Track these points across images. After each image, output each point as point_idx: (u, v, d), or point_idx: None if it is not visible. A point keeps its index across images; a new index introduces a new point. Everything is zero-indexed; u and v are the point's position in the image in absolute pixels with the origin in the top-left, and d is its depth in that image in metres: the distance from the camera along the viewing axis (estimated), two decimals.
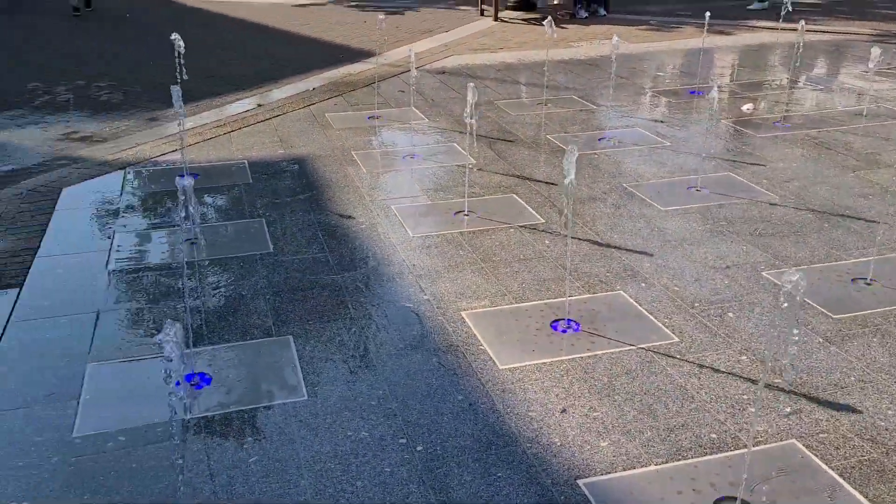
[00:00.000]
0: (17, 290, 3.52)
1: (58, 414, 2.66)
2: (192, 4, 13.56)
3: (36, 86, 7.79)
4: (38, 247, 3.95)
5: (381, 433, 2.58)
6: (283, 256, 3.86)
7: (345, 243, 4.01)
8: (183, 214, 4.00)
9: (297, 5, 12.97)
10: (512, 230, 4.17)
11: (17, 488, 2.33)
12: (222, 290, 3.52)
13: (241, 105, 6.83)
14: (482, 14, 11.34)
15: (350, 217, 4.33)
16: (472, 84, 4.29)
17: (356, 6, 12.99)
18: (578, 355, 3.04)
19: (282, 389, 2.81)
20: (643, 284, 3.59)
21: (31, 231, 4.14)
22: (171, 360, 2.00)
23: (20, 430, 2.58)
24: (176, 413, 2.64)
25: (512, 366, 2.97)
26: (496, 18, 10.91)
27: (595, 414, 2.70)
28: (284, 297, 3.46)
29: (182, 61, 4.98)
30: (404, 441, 2.55)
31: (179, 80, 4.70)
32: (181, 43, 5.02)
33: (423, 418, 2.66)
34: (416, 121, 6.17)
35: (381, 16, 7.20)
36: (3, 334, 3.15)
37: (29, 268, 3.72)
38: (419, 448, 2.52)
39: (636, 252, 3.91)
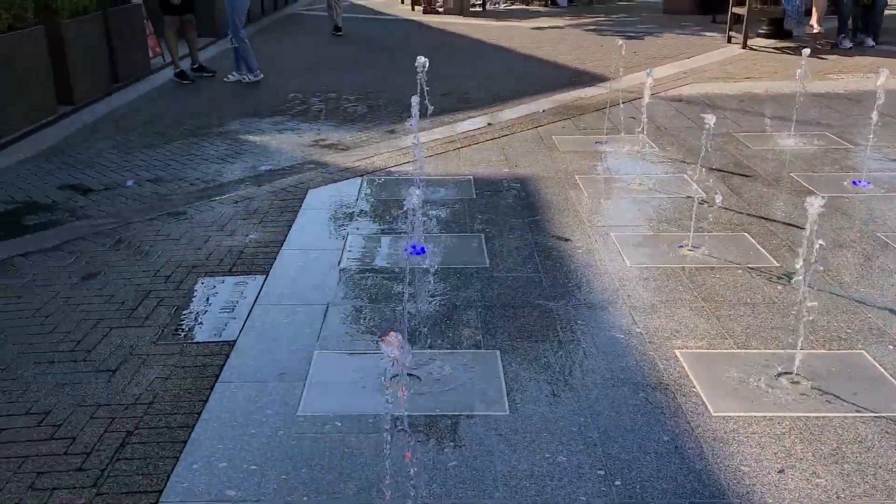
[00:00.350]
0: (264, 276, 3.93)
1: (286, 392, 2.93)
2: (435, 25, 14.39)
3: (295, 96, 8.69)
4: (284, 240, 4.38)
5: (580, 461, 2.54)
6: (498, 272, 3.94)
7: (560, 266, 4.01)
8: (410, 225, 4.24)
9: (535, 28, 13.26)
10: (740, 271, 3.91)
11: (248, 453, 2.60)
12: (438, 298, 3.66)
13: (472, 123, 7.10)
14: (729, 41, 10.80)
15: (567, 240, 4.32)
16: (710, 114, 4.10)
17: (595, 30, 13.00)
18: (804, 414, 2.77)
19: (484, 402, 2.87)
20: (891, 346, 3.19)
21: (280, 225, 4.61)
22: (394, 362, 2.12)
23: (254, 401, 2.87)
24: (390, 409, 2.78)
25: (726, 414, 2.78)
26: (745, 46, 10.35)
27: (818, 481, 2.44)
28: (496, 313, 3.52)
29: (424, 79, 5.28)
30: (602, 473, 2.48)
31: (422, 99, 5.00)
32: (424, 61, 5.32)
33: (624, 453, 2.57)
34: (646, 148, 6.02)
35: (620, 41, 7.13)
36: (249, 313, 3.54)
37: (275, 258, 4.14)
38: (617, 482, 2.44)
39: (886, 309, 3.49)
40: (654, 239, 4.34)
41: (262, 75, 9.52)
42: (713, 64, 9.54)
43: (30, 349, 3.28)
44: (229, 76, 9.52)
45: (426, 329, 3.38)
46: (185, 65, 9.71)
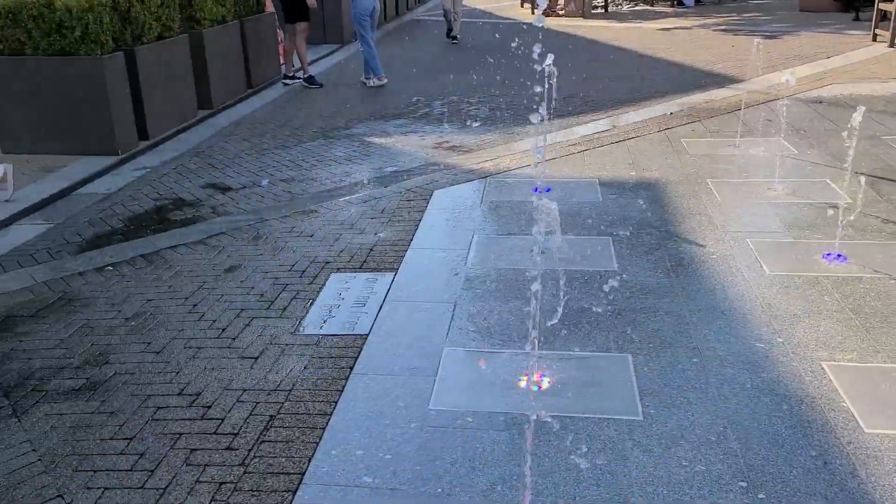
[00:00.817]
0: (393, 274, 4.02)
1: (418, 386, 2.99)
2: (555, 28, 14.28)
3: (419, 100, 8.85)
4: (412, 239, 4.48)
5: (720, 471, 2.45)
6: (627, 276, 3.87)
7: (693, 272, 3.88)
8: (536, 226, 4.23)
9: (661, 29, 12.92)
10: (893, 282, 3.65)
11: (382, 442, 2.67)
12: (566, 301, 3.63)
13: (596, 126, 7.00)
14: (874, 39, 10.13)
15: (700, 245, 4.18)
16: (856, 114, 3.86)
17: (725, 30, 12.52)
18: None
19: (617, 405, 2.82)
20: None
21: (408, 225, 4.71)
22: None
23: (388, 394, 2.95)
24: (521, 407, 2.79)
25: (881, 431, 2.60)
26: (892, 44, 9.67)
27: None
28: (626, 317, 3.46)
29: (552, 82, 5.25)
30: (744, 485, 2.38)
31: (545, 102, 4.97)
32: (550, 65, 5.28)
33: (768, 466, 2.46)
34: (783, 152, 5.73)
35: (757, 40, 6.83)
36: (380, 309, 3.64)
37: (403, 257, 4.24)
38: (761, 496, 2.33)
39: None
40: (794, 246, 4.12)
41: (386, 80, 9.77)
42: (856, 63, 8.97)
43: (180, 335, 3.51)
44: (364, 81, 9.86)
45: (555, 331, 3.36)
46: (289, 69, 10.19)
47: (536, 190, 5.24)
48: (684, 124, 6.75)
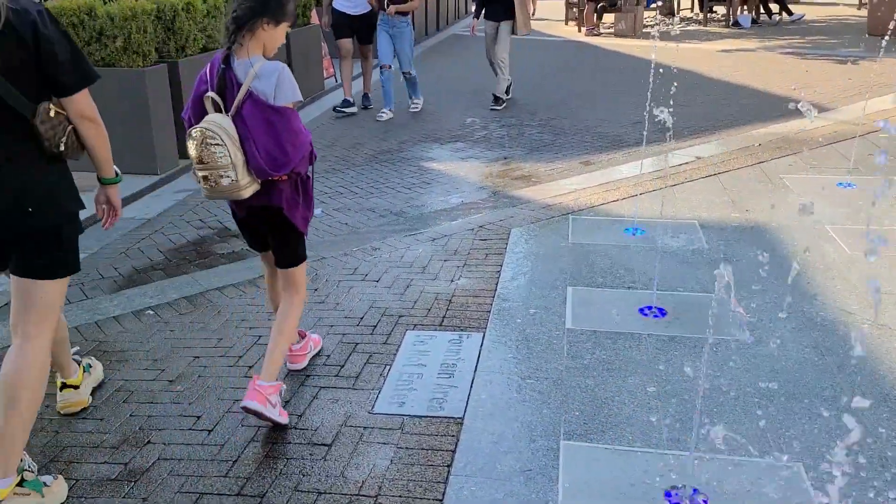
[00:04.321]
0: (481, 335, 3.42)
1: (537, 497, 2.37)
2: (606, 47, 13.68)
3: (473, 121, 8.28)
4: (496, 290, 3.87)
5: None
6: (764, 348, 3.23)
7: (846, 346, 3.23)
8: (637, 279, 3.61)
9: (722, 51, 12.25)
10: None
11: None
12: (693, 378, 3.00)
13: (678, 156, 6.35)
14: None
15: (846, 311, 3.53)
16: None
17: (792, 53, 11.83)
18: None
19: None
20: None
21: (488, 271, 4.11)
22: None
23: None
24: None
25: None
26: None
27: None
28: (779, 409, 2.81)
29: (652, 103, 4.64)
30: None
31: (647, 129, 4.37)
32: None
33: None
34: None
35: (850, 63, 6.17)
36: (473, 383, 3.03)
37: (489, 312, 3.63)
38: None
39: None
40: None
41: (392, 115, 8.52)
42: None
43: (235, 408, 2.93)
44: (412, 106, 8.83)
45: (695, 424, 2.72)
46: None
47: (630, 231, 4.61)
48: (778, 157, 6.09)
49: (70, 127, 2.36)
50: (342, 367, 3.21)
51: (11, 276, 2.42)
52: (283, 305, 2.93)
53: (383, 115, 8.42)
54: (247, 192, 2.65)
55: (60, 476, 2.52)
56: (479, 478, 2.48)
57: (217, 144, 2.54)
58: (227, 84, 2.64)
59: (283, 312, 2.90)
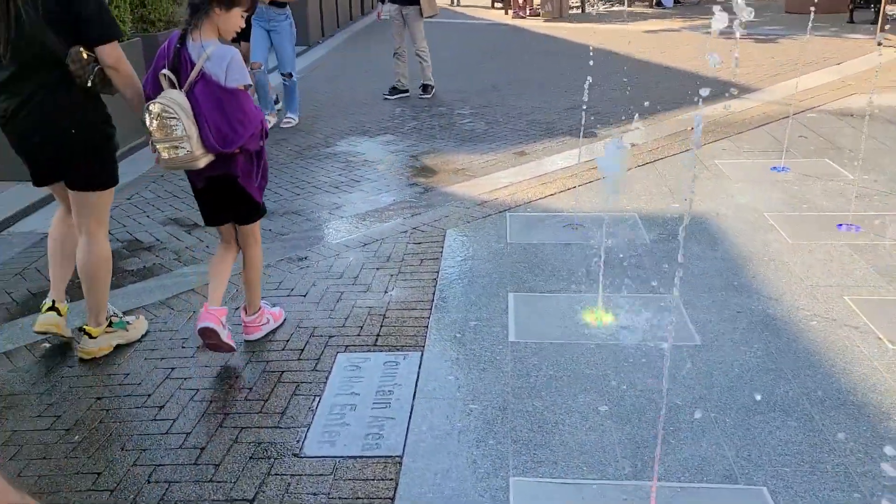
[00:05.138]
0: (419, 354, 3.14)
1: None
2: (533, 30, 13.53)
3: (402, 111, 7.97)
4: (433, 301, 3.60)
5: None
6: (714, 354, 3.06)
7: (795, 346, 3.10)
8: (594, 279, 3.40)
9: (647, 31, 12.24)
10: None
11: None
12: (644, 391, 2.81)
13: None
14: (880, 44, 9.57)
15: (793, 307, 3.40)
16: None
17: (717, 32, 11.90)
18: None
19: None
20: None
21: (423, 280, 3.83)
22: None
23: None
24: None
25: None
26: None
27: None
28: (735, 420, 2.65)
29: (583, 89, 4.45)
30: None
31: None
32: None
33: None
34: (836, 177, 5.03)
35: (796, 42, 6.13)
36: (411, 412, 2.75)
37: (426, 328, 3.36)
38: None
39: None
40: None
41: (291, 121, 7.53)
42: (869, 71, 8.37)
43: (142, 459, 2.58)
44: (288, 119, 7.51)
45: (652, 448, 2.53)
46: None
47: (569, 227, 4.41)
48: (711, 142, 5.99)
49: (98, 67, 2.91)
50: (266, 401, 2.89)
51: (67, 189, 3.10)
52: (246, 257, 3.24)
53: (289, 121, 7.45)
54: (202, 163, 2.87)
55: (141, 315, 3.47)
56: None
57: (173, 117, 2.75)
58: (181, 62, 2.85)
59: (247, 263, 3.25)
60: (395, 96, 8.55)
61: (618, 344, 3.15)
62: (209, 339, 3.04)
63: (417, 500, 2.33)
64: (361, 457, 2.55)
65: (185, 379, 3.06)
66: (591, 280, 3.68)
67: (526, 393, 2.85)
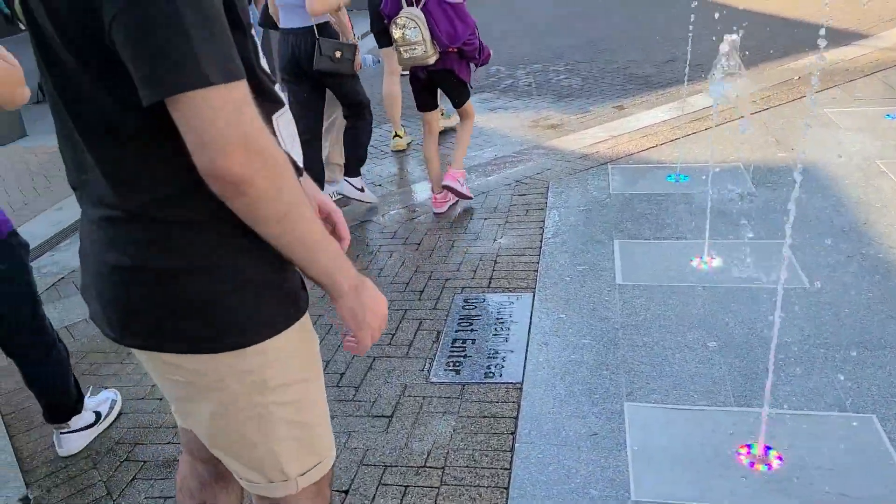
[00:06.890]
0: (531, 295, 3.35)
1: (606, 462, 2.33)
2: None
3: (498, 69, 8.08)
4: (541, 247, 3.79)
5: None
6: (823, 296, 3.13)
7: None
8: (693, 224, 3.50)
9: None
10: None
11: None
12: (753, 328, 2.92)
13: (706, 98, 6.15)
14: None
15: None
16: None
17: None
18: None
19: (873, 482, 2.13)
20: None
21: (530, 228, 4.02)
22: None
23: (569, 475, 2.30)
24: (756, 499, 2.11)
25: None
26: None
27: None
28: (845, 356, 2.73)
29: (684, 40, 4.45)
30: None
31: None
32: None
33: None
34: None
35: None
36: (528, 345, 2.98)
37: (536, 271, 3.56)
38: None
39: None
40: None
41: None
42: None
43: None
44: None
45: (762, 379, 2.66)
46: None
47: (672, 178, 4.48)
48: (820, 90, 5.86)
49: None
50: (393, 335, 3.17)
51: None
52: (464, 124, 4.34)
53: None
54: (431, 60, 3.89)
55: None
56: (546, 444, 2.44)
57: (413, 28, 3.76)
58: None
59: (463, 126, 4.36)
60: None
61: (725, 286, 3.26)
62: (451, 192, 4.30)
63: (539, 418, 2.55)
64: (485, 383, 2.79)
65: (319, 315, 3.38)
66: (697, 227, 3.78)
67: (635, 330, 3.01)
